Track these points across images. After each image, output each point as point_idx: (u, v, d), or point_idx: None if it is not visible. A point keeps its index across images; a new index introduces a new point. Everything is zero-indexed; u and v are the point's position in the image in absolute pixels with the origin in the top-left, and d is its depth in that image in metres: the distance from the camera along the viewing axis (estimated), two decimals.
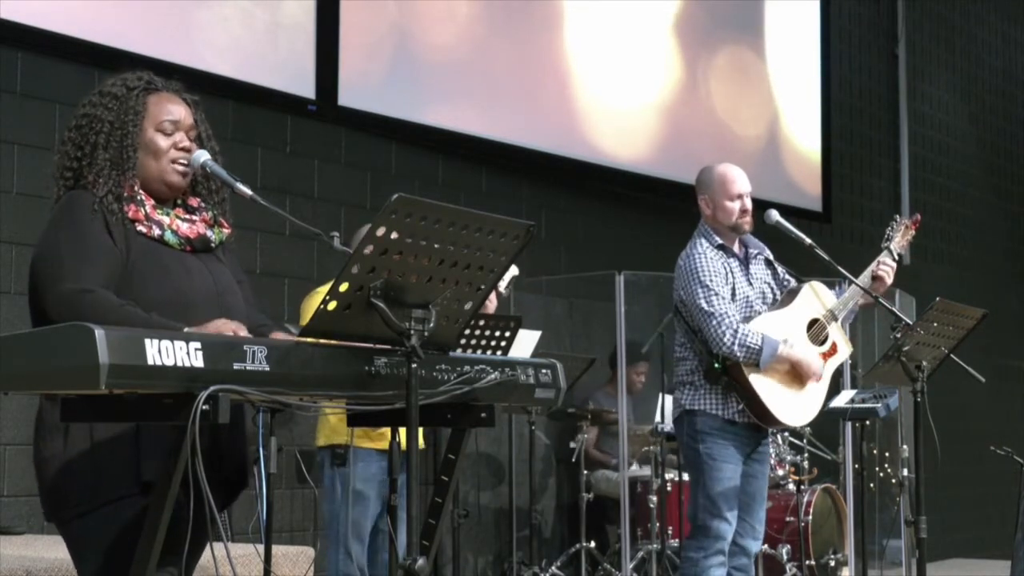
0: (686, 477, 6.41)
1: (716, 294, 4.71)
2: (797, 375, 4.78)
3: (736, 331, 4.64)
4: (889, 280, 4.91)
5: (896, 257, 4.97)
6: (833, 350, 4.90)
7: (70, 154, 2.91)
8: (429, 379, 2.68)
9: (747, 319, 4.77)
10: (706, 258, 4.78)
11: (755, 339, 4.65)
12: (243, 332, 2.60)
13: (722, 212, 4.86)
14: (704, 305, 4.69)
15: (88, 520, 2.75)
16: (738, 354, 4.64)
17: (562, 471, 7.74)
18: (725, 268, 4.81)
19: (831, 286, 5.09)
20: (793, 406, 4.77)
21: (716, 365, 4.69)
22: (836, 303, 4.93)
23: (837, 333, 4.91)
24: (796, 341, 4.78)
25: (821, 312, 4.89)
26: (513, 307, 7.10)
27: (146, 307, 2.71)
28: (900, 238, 5.02)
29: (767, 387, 4.71)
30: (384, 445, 4.86)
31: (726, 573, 4.76)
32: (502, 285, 5.72)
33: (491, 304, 5.13)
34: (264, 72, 6.25)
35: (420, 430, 4.95)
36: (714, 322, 4.65)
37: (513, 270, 5.79)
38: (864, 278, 4.89)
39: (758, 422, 4.76)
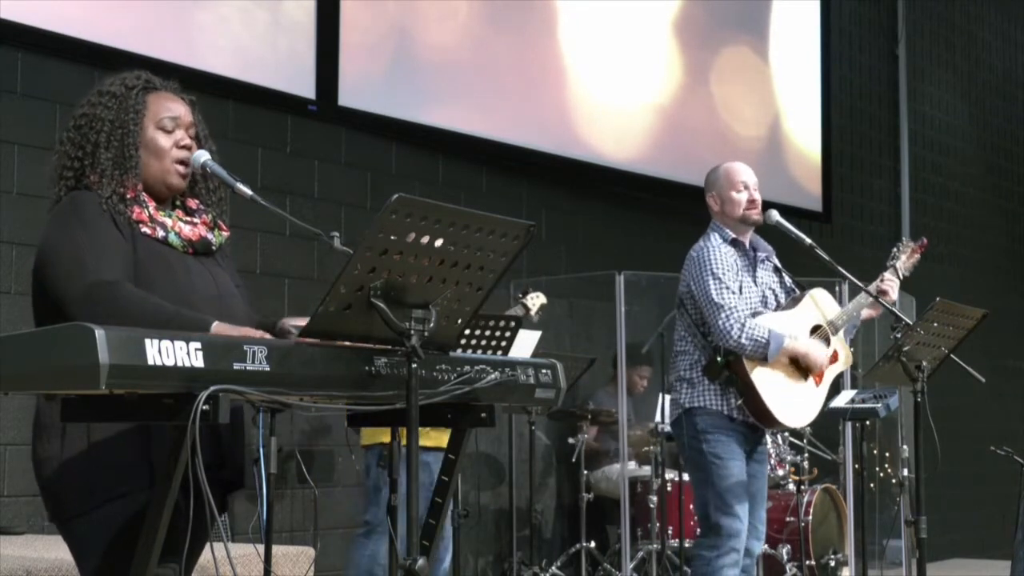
0: (686, 477, 6.42)
1: (727, 287, 4.73)
2: (798, 376, 4.78)
3: (744, 325, 4.65)
4: (894, 295, 4.91)
5: (901, 277, 4.98)
6: (834, 357, 4.91)
7: (70, 154, 2.90)
8: (429, 379, 2.68)
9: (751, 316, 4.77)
10: (719, 251, 4.81)
11: (762, 332, 4.66)
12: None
13: (729, 204, 4.89)
14: (715, 297, 4.70)
15: (88, 519, 2.74)
16: (746, 346, 4.65)
17: (562, 471, 7.74)
18: (736, 264, 4.83)
19: (832, 286, 5.09)
20: (791, 407, 4.77)
21: (719, 359, 4.69)
22: (838, 313, 4.95)
23: (838, 342, 4.92)
24: (801, 336, 4.79)
25: (823, 320, 4.91)
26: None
27: None
28: (906, 259, 5.03)
29: (767, 385, 4.71)
30: (434, 443, 4.79)
31: (739, 572, 4.74)
32: (533, 310, 5.76)
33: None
34: (264, 72, 6.25)
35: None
36: (723, 315, 4.67)
37: (541, 298, 5.82)
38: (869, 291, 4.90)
39: (755, 421, 4.76)
